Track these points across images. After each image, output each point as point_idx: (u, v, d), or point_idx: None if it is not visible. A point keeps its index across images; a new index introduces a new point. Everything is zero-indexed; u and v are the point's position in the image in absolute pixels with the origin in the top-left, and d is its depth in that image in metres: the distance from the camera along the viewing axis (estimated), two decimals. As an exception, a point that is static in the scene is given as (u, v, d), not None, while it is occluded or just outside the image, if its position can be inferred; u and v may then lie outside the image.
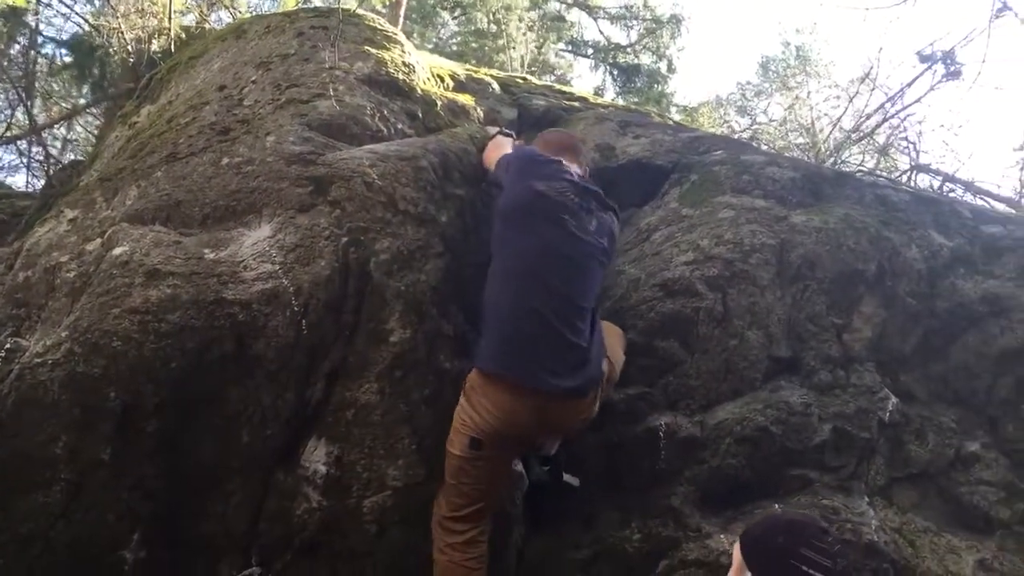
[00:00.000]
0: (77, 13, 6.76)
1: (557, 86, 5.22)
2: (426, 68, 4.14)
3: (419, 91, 3.84)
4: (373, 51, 3.81)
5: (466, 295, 3.22)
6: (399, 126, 3.55)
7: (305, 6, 4.84)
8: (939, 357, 3.64)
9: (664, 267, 3.60)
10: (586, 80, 20.32)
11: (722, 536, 3.13)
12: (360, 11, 4.09)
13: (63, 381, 2.53)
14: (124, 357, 2.57)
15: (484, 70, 5.13)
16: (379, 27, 4.07)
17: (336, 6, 3.91)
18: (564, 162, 3.13)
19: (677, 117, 20.75)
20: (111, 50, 5.86)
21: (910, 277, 3.64)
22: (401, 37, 4.15)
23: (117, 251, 2.80)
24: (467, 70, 4.82)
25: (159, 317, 2.64)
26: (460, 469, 2.85)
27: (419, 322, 2.97)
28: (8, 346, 2.75)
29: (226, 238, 2.92)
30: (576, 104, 4.74)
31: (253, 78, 3.62)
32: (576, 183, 3.06)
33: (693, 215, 3.81)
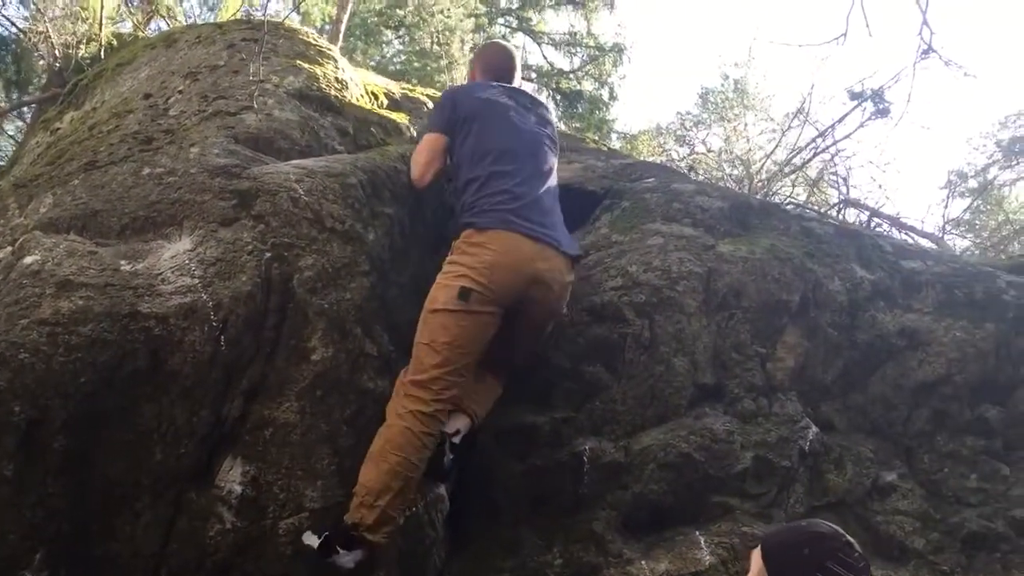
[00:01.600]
0: (4, 15, 6.60)
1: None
2: (360, 85, 4.11)
3: (351, 108, 3.81)
4: (305, 66, 3.77)
5: (391, 315, 3.18)
6: (329, 142, 3.51)
7: (237, 18, 4.77)
8: (859, 388, 3.70)
9: (593, 292, 3.61)
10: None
11: (643, 562, 3.12)
12: (294, 25, 4.05)
13: (-35, 394, 2.42)
14: (31, 370, 2.46)
15: (420, 89, 5.12)
16: (313, 42, 4.03)
17: (267, 18, 3.86)
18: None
19: (617, 144, 21.02)
20: (36, 53, 5.72)
21: (832, 309, 3.70)
22: (335, 53, 4.12)
23: (28, 260, 2.70)
24: (403, 88, 4.80)
25: (70, 329, 2.54)
26: (439, 326, 2.95)
27: (342, 341, 2.92)
28: (-93, 356, 2.62)
29: (144, 250, 2.84)
30: (511, 127, 4.74)
31: (180, 88, 3.54)
32: (506, 88, 3.61)
33: (623, 241, 3.83)
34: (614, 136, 20.87)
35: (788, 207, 4.21)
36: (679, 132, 28.48)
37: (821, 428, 3.52)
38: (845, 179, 9.97)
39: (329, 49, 4.07)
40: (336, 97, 3.76)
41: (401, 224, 3.36)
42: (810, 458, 3.43)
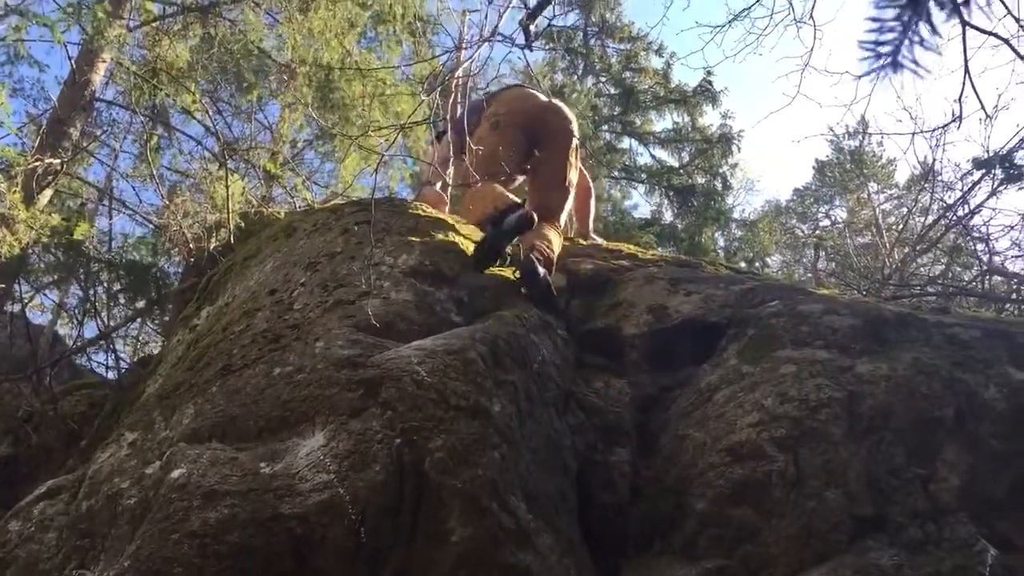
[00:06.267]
0: (141, 215, 7.18)
1: (604, 244, 5.26)
2: (471, 248, 4.20)
3: (465, 276, 3.89)
4: (417, 240, 3.89)
5: (526, 482, 3.15)
6: (446, 315, 3.57)
7: (352, 200, 5.05)
8: (1036, 500, 3.40)
9: (729, 430, 3.49)
10: (642, 206, 20.57)
11: None
12: (403, 198, 4.20)
13: (126, 614, 2.51)
14: (185, 584, 2.54)
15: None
16: (423, 213, 4.16)
17: (387, 197, 4.02)
18: None
19: (738, 232, 20.77)
20: (171, 251, 6.20)
21: (991, 418, 3.45)
22: (446, 217, 4.24)
23: (175, 474, 2.82)
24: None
25: (218, 539, 2.61)
26: None
27: (480, 518, 2.88)
28: (73, 580, 2.76)
29: (281, 450, 2.92)
30: (624, 262, 4.75)
31: (302, 280, 3.70)
32: None
33: (754, 372, 3.71)
34: (733, 225, 20.69)
35: (926, 316, 3.98)
36: (799, 210, 28.00)
37: (1000, 548, 3.23)
38: (987, 246, 9.46)
39: (439, 216, 4.20)
40: (449, 267, 3.85)
41: (526, 388, 3.35)
42: (993, 585, 3.15)
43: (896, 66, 1.76)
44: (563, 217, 4.98)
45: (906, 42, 1.71)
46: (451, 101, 4.16)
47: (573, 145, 5.15)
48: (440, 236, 4.00)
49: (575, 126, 5.23)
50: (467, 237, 4.29)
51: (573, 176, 5.03)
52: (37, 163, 5.92)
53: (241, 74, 9.39)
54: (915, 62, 1.75)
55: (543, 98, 5.23)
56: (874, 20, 1.76)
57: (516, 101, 5.12)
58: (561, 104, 5.32)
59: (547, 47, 20.32)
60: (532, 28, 4.03)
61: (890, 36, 1.73)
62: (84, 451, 3.99)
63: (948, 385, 3.49)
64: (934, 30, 1.73)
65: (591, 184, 5.93)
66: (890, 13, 1.72)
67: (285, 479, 2.80)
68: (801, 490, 3.30)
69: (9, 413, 5.70)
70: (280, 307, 3.57)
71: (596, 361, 4.01)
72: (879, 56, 1.75)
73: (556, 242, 4.59)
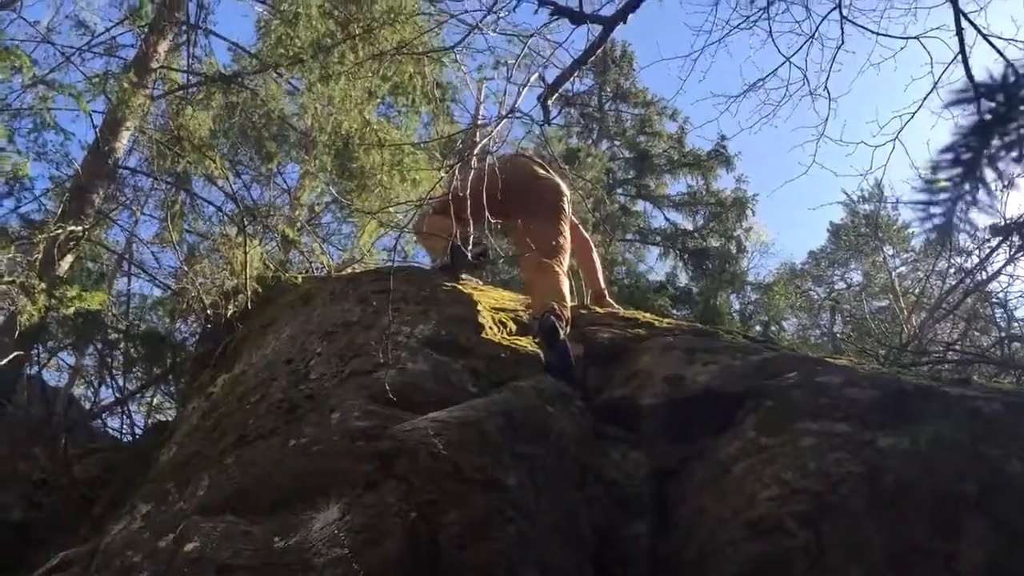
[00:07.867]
0: (160, 279, 7.26)
1: (621, 312, 5.25)
2: (488, 316, 4.20)
3: (481, 344, 3.89)
4: (434, 310, 3.90)
5: (542, 557, 3.10)
6: (462, 386, 3.57)
7: (368, 269, 5.10)
8: (1064, 577, 3.32)
9: (749, 504, 3.43)
10: (657, 269, 20.59)
11: None
12: (419, 265, 4.23)
13: None
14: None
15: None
16: (439, 283, 4.18)
17: (404, 264, 4.05)
18: None
19: (752, 296, 20.73)
20: (188, 316, 6.25)
21: (1016, 493, 3.39)
22: (461, 287, 4.25)
23: (188, 547, 2.80)
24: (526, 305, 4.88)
25: (231, 616, 2.59)
26: None
27: (496, 595, 2.85)
28: (82, 656, 2.72)
29: (295, 523, 2.90)
30: (641, 331, 4.74)
31: (319, 350, 3.71)
32: None
33: (773, 444, 3.66)
34: (748, 288, 20.67)
35: (948, 388, 3.94)
36: (815, 272, 27.93)
37: (1027, 630, 3.15)
38: (1005, 311, 9.42)
39: (456, 286, 4.22)
40: (467, 337, 3.85)
41: (542, 461, 3.32)
42: (1021, 667, 3.06)
43: (949, 228, 1.74)
44: (566, 260, 5.04)
45: (960, 204, 1.70)
46: (469, 177, 4.17)
47: (564, 204, 5.33)
48: (457, 306, 4.02)
49: (564, 187, 5.49)
50: (484, 306, 4.30)
51: (565, 227, 5.21)
52: (59, 230, 6.01)
53: (261, 140, 9.56)
54: (969, 223, 1.74)
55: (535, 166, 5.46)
56: (927, 182, 1.75)
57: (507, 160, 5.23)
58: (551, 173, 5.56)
59: (562, 111, 20.61)
60: (550, 104, 4.07)
61: (942, 197, 1.72)
62: (97, 520, 3.97)
63: (971, 459, 3.43)
64: (989, 193, 1.71)
65: (587, 236, 5.93)
66: (943, 175, 1.71)
67: (298, 553, 2.78)
68: (823, 566, 3.23)
69: (23, 478, 5.70)
70: (296, 377, 3.57)
71: (613, 432, 3.98)
72: (931, 217, 1.73)
73: (566, 288, 4.70)
